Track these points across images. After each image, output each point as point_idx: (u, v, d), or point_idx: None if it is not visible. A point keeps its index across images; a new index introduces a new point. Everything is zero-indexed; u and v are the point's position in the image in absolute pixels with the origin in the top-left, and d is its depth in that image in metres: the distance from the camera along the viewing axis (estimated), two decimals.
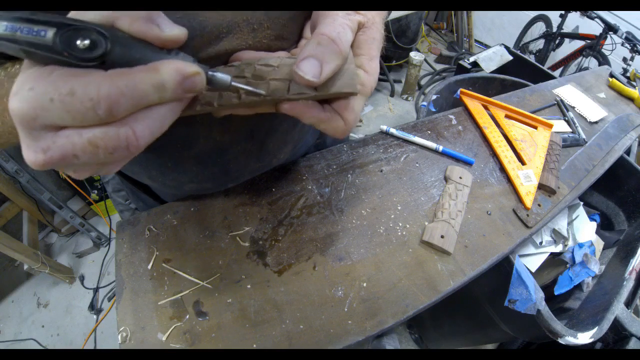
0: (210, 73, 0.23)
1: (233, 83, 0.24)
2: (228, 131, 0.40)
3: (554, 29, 2.50)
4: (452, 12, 3.36)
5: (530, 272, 0.65)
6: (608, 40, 2.07)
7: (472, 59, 1.48)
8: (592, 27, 2.16)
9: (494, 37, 3.24)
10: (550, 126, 0.71)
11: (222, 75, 0.23)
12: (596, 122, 0.82)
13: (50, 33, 0.17)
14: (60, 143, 0.19)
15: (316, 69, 0.24)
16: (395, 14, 1.84)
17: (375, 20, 0.29)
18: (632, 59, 1.96)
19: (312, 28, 0.30)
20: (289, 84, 0.26)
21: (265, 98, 0.26)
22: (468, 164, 0.62)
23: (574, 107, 0.84)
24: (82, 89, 0.18)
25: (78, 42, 0.18)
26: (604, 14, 2.06)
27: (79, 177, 0.23)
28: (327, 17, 0.27)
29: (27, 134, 0.19)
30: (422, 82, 2.71)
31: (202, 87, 0.22)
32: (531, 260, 0.75)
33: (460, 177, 0.58)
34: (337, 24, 0.26)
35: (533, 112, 0.74)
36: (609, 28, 1.99)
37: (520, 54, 1.59)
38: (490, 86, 1.20)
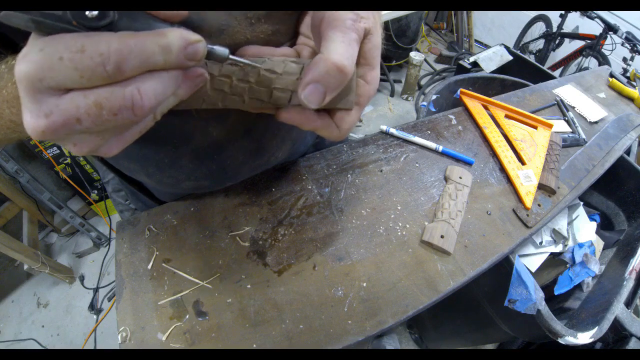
0: (209, 46, 0.23)
1: (231, 56, 0.25)
2: (225, 127, 0.40)
3: (554, 29, 2.50)
4: (452, 12, 3.35)
5: (530, 272, 0.65)
6: (608, 40, 2.07)
7: (472, 59, 1.48)
8: (592, 27, 2.16)
9: (494, 37, 3.24)
10: (550, 126, 0.71)
11: (220, 49, 0.24)
12: (596, 122, 0.82)
13: None
14: (63, 106, 0.19)
15: (320, 97, 0.25)
16: (395, 13, 1.84)
17: (377, 24, 0.29)
18: (632, 59, 1.96)
19: (313, 27, 0.29)
20: (291, 94, 0.28)
21: (267, 104, 0.28)
22: (468, 164, 0.62)
23: (574, 107, 0.84)
24: (93, 46, 0.18)
25: (86, 11, 0.19)
26: (604, 14, 2.06)
27: (79, 151, 0.22)
28: (335, 28, 0.25)
29: (30, 97, 0.19)
30: (422, 82, 2.71)
31: (203, 55, 0.22)
32: (531, 260, 0.75)
33: (460, 177, 0.58)
34: (347, 43, 0.25)
35: (533, 112, 0.74)
36: (609, 28, 1.99)
37: (520, 54, 1.59)
38: (490, 86, 1.19)
